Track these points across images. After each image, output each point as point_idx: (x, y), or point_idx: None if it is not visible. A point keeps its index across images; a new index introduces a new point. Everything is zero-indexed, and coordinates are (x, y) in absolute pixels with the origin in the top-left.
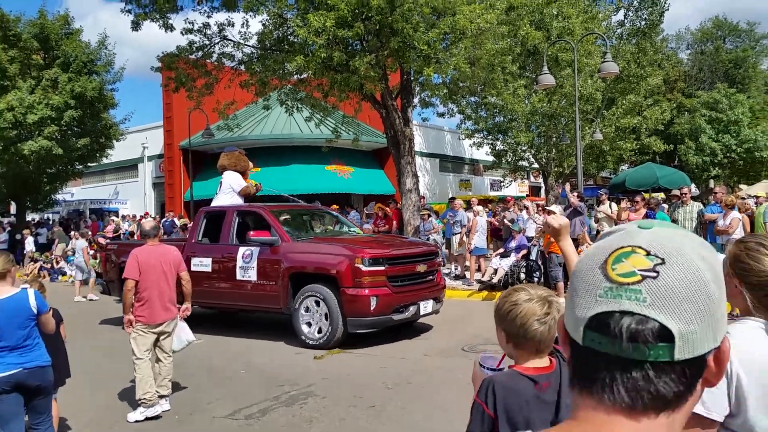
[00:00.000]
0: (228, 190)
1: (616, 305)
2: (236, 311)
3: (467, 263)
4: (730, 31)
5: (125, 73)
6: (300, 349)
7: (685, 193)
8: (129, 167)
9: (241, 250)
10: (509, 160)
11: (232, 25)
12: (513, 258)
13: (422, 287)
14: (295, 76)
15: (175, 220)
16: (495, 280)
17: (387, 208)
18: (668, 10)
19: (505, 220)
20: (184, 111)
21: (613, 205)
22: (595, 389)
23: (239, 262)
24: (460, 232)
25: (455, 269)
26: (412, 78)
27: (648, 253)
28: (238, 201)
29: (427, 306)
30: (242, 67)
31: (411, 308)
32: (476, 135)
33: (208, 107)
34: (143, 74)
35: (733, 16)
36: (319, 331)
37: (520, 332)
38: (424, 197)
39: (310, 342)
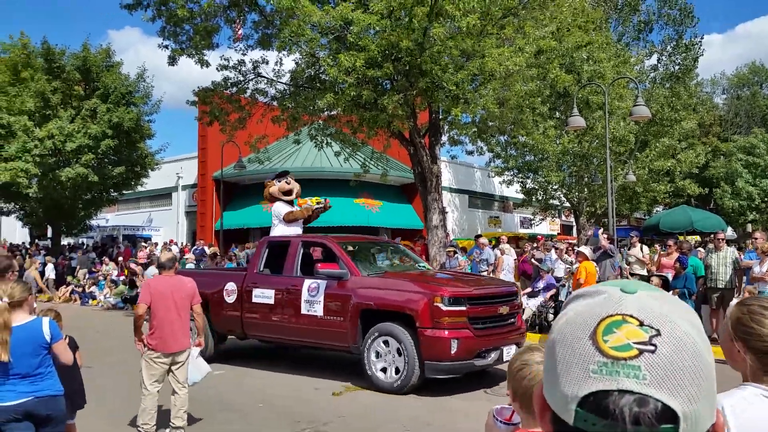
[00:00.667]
0: (276, 221)
1: (613, 383)
2: (297, 347)
3: None
4: (767, 77)
5: (163, 105)
6: (319, 384)
7: (721, 239)
8: (163, 195)
9: (307, 282)
10: (539, 198)
11: (266, 63)
12: (541, 298)
13: (505, 330)
14: (326, 113)
15: (205, 248)
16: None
17: (414, 245)
18: (702, 55)
19: (533, 260)
20: (217, 143)
21: (645, 248)
22: None
23: (304, 296)
24: (486, 270)
25: None
26: (440, 117)
27: (641, 323)
28: (296, 229)
29: (510, 351)
30: (275, 103)
31: (493, 353)
32: (506, 173)
33: (241, 140)
34: (181, 106)
35: None
36: (396, 371)
37: (527, 393)
38: (449, 234)
39: (383, 385)
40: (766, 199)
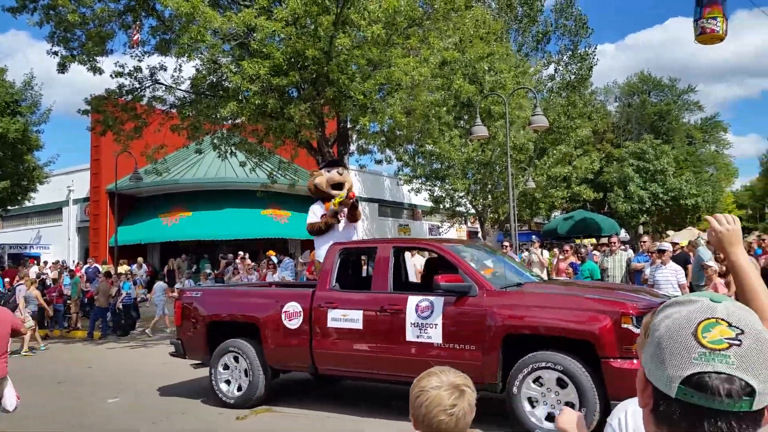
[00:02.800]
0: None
1: (710, 367)
2: (398, 383)
3: None
4: (655, 86)
5: (55, 113)
6: (223, 409)
7: (614, 242)
8: (53, 210)
9: (414, 300)
10: (447, 205)
11: (165, 69)
12: None
13: None
14: (229, 121)
15: (99, 266)
16: None
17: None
18: (596, 65)
19: None
20: (111, 154)
21: (545, 252)
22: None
23: (410, 317)
24: None
25: None
26: (348, 126)
27: (729, 324)
28: (336, 236)
29: None
30: (174, 111)
31: None
32: (414, 181)
33: (137, 150)
34: (74, 115)
35: (657, 71)
36: (551, 418)
37: (425, 421)
38: None
39: None
40: (656, 202)
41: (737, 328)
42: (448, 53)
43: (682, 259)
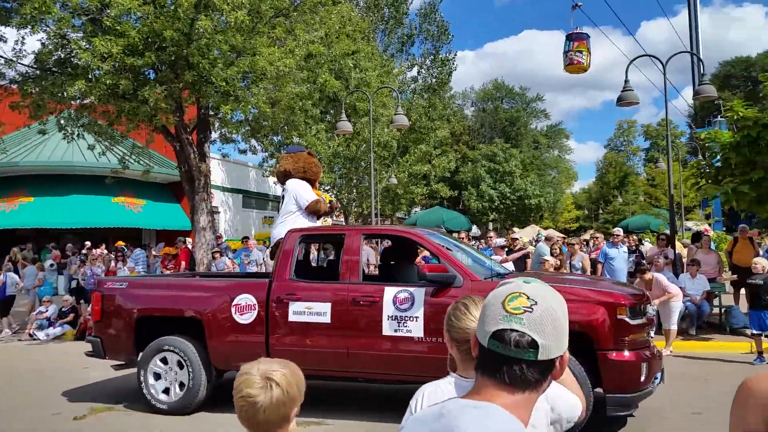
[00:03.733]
0: (293, 208)
1: (508, 326)
2: (373, 381)
3: None
4: (507, 93)
5: None
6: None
7: (462, 238)
8: None
9: (390, 291)
10: None
11: (4, 41)
12: None
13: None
14: (77, 101)
15: None
16: None
17: (174, 249)
18: (455, 70)
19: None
20: None
21: None
22: (490, 374)
23: (387, 309)
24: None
25: None
26: (210, 113)
27: (528, 297)
28: (305, 222)
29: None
30: (14, 87)
31: (659, 375)
32: None
33: None
34: None
35: (511, 80)
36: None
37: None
38: (221, 236)
39: None
40: (504, 201)
41: (533, 300)
42: (314, 47)
43: (523, 253)
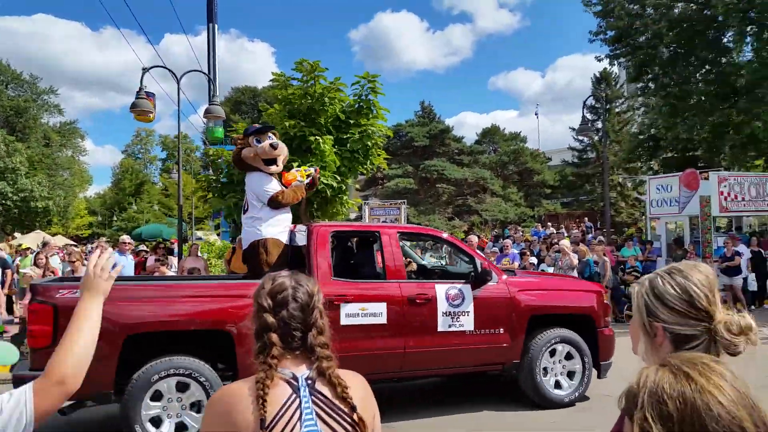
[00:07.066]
0: (257, 204)
1: None
2: (429, 377)
3: None
4: (14, 79)
5: None
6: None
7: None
8: None
9: (442, 288)
10: None
11: None
12: None
13: None
14: None
15: None
16: None
17: None
18: None
19: None
20: None
21: None
22: None
23: (442, 306)
24: None
25: None
26: None
27: None
28: (287, 217)
29: None
30: None
31: None
32: None
33: None
34: None
35: (19, 64)
36: (558, 386)
37: None
38: None
39: (557, 399)
40: (4, 201)
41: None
42: None
43: None
